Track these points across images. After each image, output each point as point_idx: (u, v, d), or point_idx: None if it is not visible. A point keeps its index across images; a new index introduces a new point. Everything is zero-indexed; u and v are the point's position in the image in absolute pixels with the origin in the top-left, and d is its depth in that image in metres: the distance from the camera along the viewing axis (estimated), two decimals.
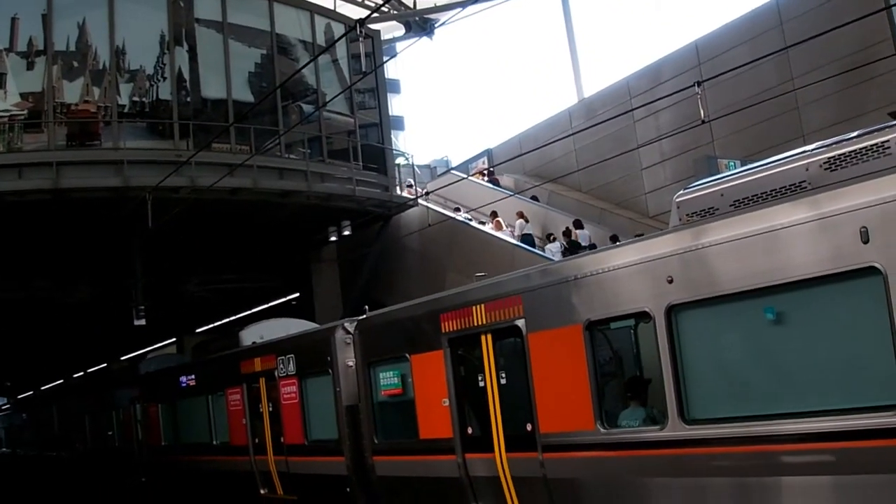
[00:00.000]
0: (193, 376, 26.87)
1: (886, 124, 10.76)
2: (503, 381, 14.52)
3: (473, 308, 14.91)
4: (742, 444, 10.91)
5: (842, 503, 10.05)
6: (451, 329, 15.42)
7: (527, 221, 36.26)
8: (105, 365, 56.13)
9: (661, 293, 11.70)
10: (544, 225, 37.27)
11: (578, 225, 34.17)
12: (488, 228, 35.11)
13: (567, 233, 32.63)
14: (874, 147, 10.33)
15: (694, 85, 18.32)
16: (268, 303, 41.54)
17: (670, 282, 11.59)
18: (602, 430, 12.65)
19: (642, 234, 31.07)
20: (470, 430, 15.22)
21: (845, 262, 9.79)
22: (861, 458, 9.72)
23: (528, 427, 13.81)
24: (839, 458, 9.99)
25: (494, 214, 36.20)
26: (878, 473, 9.58)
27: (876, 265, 9.47)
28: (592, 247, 30.50)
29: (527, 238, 34.39)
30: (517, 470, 14.21)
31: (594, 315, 12.77)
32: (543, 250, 32.76)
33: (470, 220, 36.88)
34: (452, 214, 36.38)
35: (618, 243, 15.18)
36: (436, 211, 36.41)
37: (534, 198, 39.27)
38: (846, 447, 9.84)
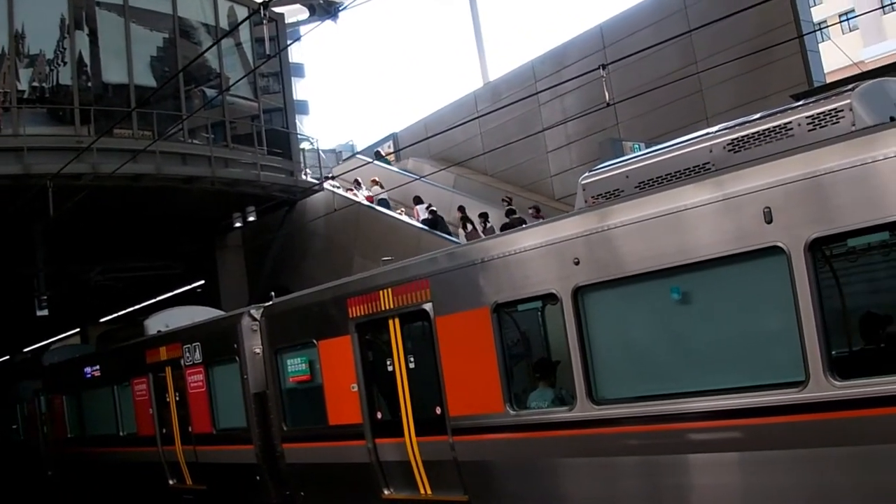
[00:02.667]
0: (98, 367, 26.47)
1: (788, 106, 10.92)
2: (412, 366, 14.52)
3: (381, 292, 14.88)
4: (650, 423, 11.04)
5: (749, 479, 10.22)
6: (359, 314, 15.36)
7: (382, 188, 37.00)
8: (7, 357, 55.21)
9: (567, 275, 11.77)
10: (450, 209, 37.25)
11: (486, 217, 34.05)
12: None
13: (484, 216, 32.63)
14: (777, 129, 10.48)
15: (599, 68, 18.43)
16: (173, 291, 41.09)
17: (577, 263, 11.66)
18: (511, 411, 12.71)
19: (537, 206, 31.54)
20: (379, 415, 15.19)
21: (749, 242, 9.94)
22: (767, 435, 9.88)
23: (438, 411, 13.83)
24: (746, 435, 10.15)
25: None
26: (783, 449, 9.75)
27: (779, 244, 9.62)
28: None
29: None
30: (428, 454, 14.23)
31: (501, 297, 12.81)
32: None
33: (385, 200, 36.69)
34: (358, 199, 36.24)
35: (524, 226, 15.21)
36: (341, 196, 36.27)
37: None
38: (752, 424, 10.00)
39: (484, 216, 32.01)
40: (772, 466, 9.91)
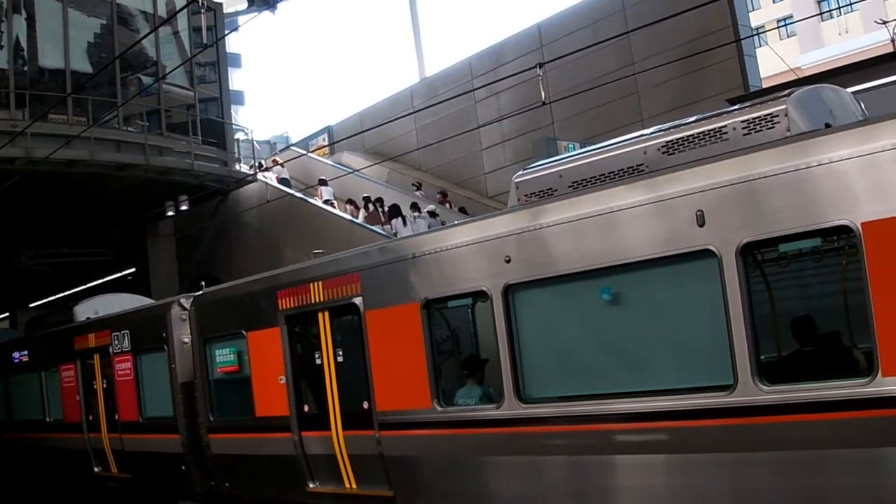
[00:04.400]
0: (26, 352, 26.13)
1: (723, 110, 10.99)
2: (340, 359, 14.46)
3: (311, 285, 14.81)
4: (577, 423, 11.07)
5: (676, 482, 10.29)
6: (289, 306, 15.29)
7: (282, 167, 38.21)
8: None
9: (498, 273, 11.77)
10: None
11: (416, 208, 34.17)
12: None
13: (415, 206, 32.71)
14: (711, 132, 10.53)
15: (535, 67, 18.46)
16: (103, 278, 40.71)
17: (508, 261, 11.66)
18: (439, 408, 12.70)
19: (444, 191, 31.69)
20: (306, 408, 15.12)
21: (681, 245, 9.98)
22: (694, 438, 9.95)
23: (365, 405, 13.78)
24: (673, 438, 10.21)
25: (367, 200, 36.23)
26: (710, 453, 9.82)
27: (711, 248, 9.68)
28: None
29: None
30: (354, 448, 14.18)
31: (432, 293, 12.79)
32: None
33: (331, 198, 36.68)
34: (290, 191, 36.17)
35: (456, 222, 15.22)
36: (275, 187, 36.14)
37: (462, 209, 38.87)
38: (680, 426, 10.07)
39: (379, 200, 32.30)
40: (698, 470, 9.98)
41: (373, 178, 38.69)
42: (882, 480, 8.69)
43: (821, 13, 75.08)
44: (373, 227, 31.45)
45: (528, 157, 30.10)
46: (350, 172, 37.35)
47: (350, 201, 35.37)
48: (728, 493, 9.82)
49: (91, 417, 21.80)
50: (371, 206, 33.26)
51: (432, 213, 32.73)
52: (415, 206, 33.19)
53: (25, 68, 31.19)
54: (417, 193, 37.20)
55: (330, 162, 43.24)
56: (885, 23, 49.52)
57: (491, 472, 12.26)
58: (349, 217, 32.91)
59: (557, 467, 11.43)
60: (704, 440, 9.87)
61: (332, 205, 35.41)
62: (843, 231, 8.87)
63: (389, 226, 31.52)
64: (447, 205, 36.33)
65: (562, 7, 36.69)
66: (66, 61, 31.84)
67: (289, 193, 35.44)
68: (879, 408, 8.56)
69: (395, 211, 32.33)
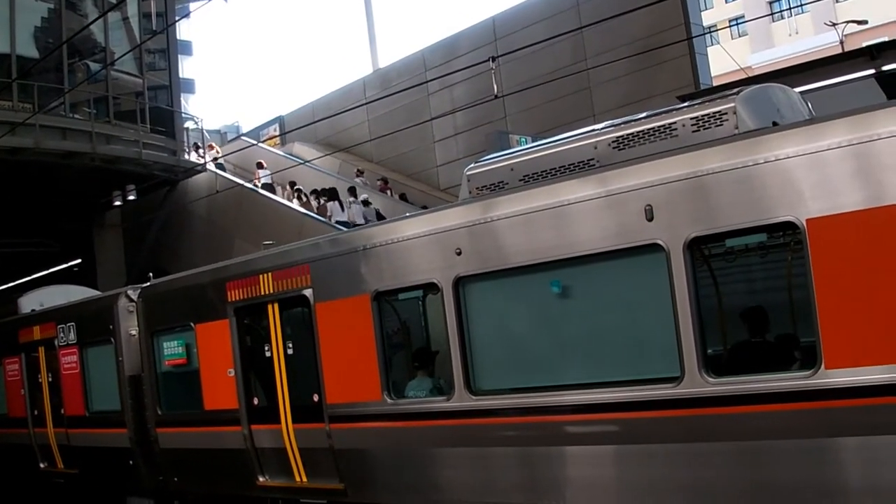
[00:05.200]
0: None
1: (674, 107, 11.06)
2: (290, 352, 14.41)
3: (260, 277, 14.74)
4: (526, 415, 11.14)
5: (624, 472, 10.39)
6: (238, 298, 15.21)
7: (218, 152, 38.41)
8: None
9: (449, 265, 11.79)
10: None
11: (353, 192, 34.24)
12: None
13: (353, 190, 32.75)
14: (661, 129, 10.59)
15: (489, 60, 18.48)
16: (49, 269, 40.33)
17: (459, 254, 11.68)
18: (389, 400, 12.70)
19: (384, 178, 31.76)
20: (256, 401, 15.04)
21: (630, 239, 10.08)
22: (643, 429, 10.05)
23: (316, 398, 13.74)
24: (621, 428, 10.31)
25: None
26: (659, 443, 9.93)
27: (659, 242, 9.77)
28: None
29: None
30: (304, 441, 14.14)
31: (382, 286, 12.78)
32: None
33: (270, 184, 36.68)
34: (239, 181, 36.09)
35: (407, 214, 15.20)
36: (224, 177, 36.01)
37: (402, 196, 38.87)
38: (628, 418, 10.17)
39: (315, 192, 32.92)
40: (647, 460, 10.07)
41: (323, 169, 38.64)
42: (825, 470, 8.85)
43: (772, 14, 76.01)
44: (318, 217, 31.51)
45: (480, 150, 30.14)
46: (301, 163, 37.28)
47: (292, 184, 36.09)
48: (677, 483, 9.92)
49: (36, 412, 21.56)
50: (304, 198, 33.41)
51: (365, 202, 33.35)
52: (352, 191, 33.31)
53: None
54: (358, 180, 37.55)
55: (281, 152, 43.15)
56: (834, 25, 50.33)
57: (442, 464, 12.30)
58: (298, 207, 32.82)
59: (508, 458, 11.48)
60: (653, 431, 9.97)
61: (271, 189, 35.77)
62: (789, 227, 9.01)
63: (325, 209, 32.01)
64: (388, 192, 36.65)
65: (517, 1, 36.70)
66: (12, 46, 31.52)
67: (237, 184, 35.31)
68: (822, 399, 8.72)
69: (332, 194, 32.64)
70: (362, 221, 30.33)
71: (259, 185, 36.23)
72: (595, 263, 10.52)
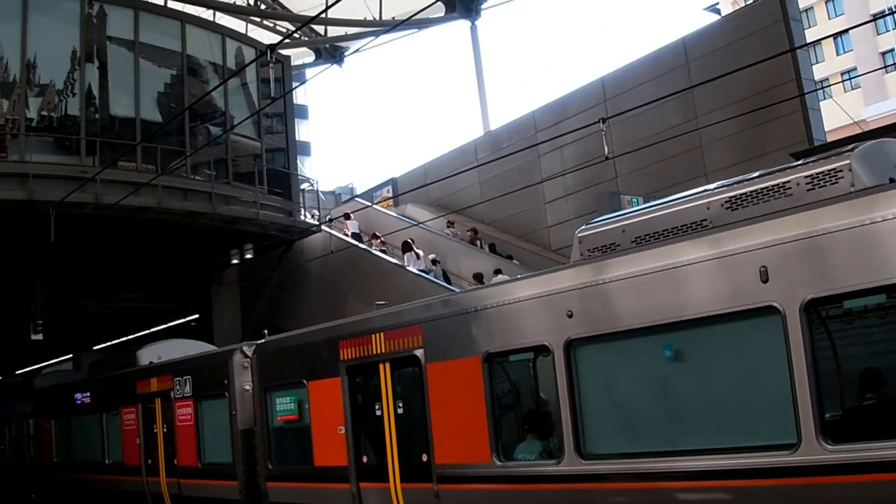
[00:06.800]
0: (89, 394, 26.42)
1: (787, 165, 10.95)
2: (400, 411, 14.45)
3: (373, 336, 14.84)
4: (638, 481, 10.96)
5: None
6: (350, 357, 15.33)
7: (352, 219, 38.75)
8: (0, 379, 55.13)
9: (560, 327, 11.74)
10: (450, 259, 37.42)
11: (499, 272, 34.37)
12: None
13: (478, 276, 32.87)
14: (775, 188, 10.50)
15: (599, 121, 18.49)
16: (167, 323, 41.07)
17: (570, 316, 11.63)
18: (498, 462, 12.63)
19: (475, 229, 31.74)
20: (365, 459, 15.10)
21: (744, 301, 9.92)
22: (758, 497, 9.82)
23: (424, 457, 13.75)
24: (735, 497, 10.08)
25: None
26: None
27: (775, 304, 9.61)
28: None
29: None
30: (411, 500, 14.12)
31: (493, 347, 12.77)
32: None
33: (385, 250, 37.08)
34: (354, 242, 36.49)
35: (518, 276, 15.21)
36: (338, 238, 36.37)
37: (492, 246, 39.26)
38: (743, 485, 9.94)
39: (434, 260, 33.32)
40: None
41: (434, 230, 38.82)
42: None
43: (885, 66, 74.70)
44: (431, 278, 31.74)
45: (591, 210, 30.09)
46: (413, 225, 37.55)
47: (374, 235, 36.75)
48: None
49: (150, 461, 21.92)
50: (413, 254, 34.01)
51: (434, 262, 34.18)
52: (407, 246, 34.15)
53: (97, 116, 31.71)
54: (447, 231, 38.24)
55: (394, 213, 43.41)
56: None
57: None
58: (412, 269, 33.02)
59: None
60: (768, 500, 9.73)
61: (358, 238, 36.66)
62: None
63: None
64: (478, 243, 36.79)
65: (625, 62, 36.65)
66: (137, 110, 32.44)
67: (352, 244, 35.67)
68: None
69: (406, 247, 33.48)
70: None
71: (349, 234, 37.05)
72: (708, 326, 10.37)
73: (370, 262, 34.69)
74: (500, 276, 29.78)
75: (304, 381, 16.42)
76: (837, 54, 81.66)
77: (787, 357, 9.52)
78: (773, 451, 9.69)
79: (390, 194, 48.83)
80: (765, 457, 9.76)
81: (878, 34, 79.94)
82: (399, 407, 14.50)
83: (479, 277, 30.67)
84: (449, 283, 33.28)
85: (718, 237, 10.37)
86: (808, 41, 36.20)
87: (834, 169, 10.08)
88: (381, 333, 14.72)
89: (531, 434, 12.71)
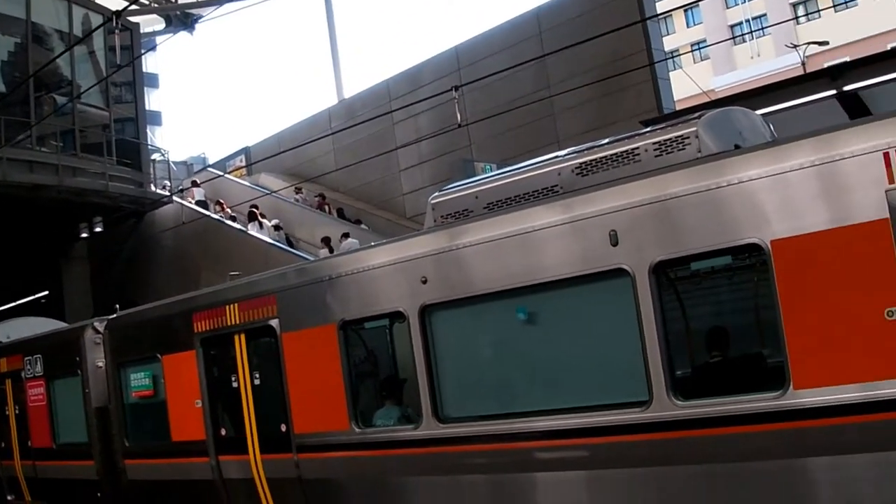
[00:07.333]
0: None
1: (636, 132, 11.12)
2: (257, 382, 14.33)
3: (227, 308, 14.69)
4: (497, 442, 11.09)
5: (595, 497, 10.37)
6: (204, 329, 15.15)
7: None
8: None
9: (415, 293, 11.78)
10: (299, 225, 37.25)
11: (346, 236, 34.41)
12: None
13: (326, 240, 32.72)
14: (624, 154, 10.64)
15: (452, 89, 18.53)
16: (15, 301, 40.06)
17: (424, 282, 11.67)
18: (357, 429, 12.64)
19: (322, 194, 31.86)
20: (223, 432, 14.97)
21: (595, 264, 10.10)
22: (612, 454, 10.04)
23: (283, 428, 13.67)
24: (592, 454, 10.28)
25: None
26: (628, 468, 9.94)
27: (624, 267, 9.80)
28: None
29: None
30: (272, 471, 14.06)
31: (349, 315, 12.75)
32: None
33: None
34: (203, 210, 36.16)
35: (372, 243, 15.19)
36: (190, 208, 35.94)
37: (339, 211, 39.03)
38: (598, 442, 10.16)
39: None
40: (617, 486, 10.08)
41: (284, 198, 38.63)
42: (796, 490, 8.86)
43: (733, 37, 76.51)
44: (285, 247, 31.73)
45: (445, 178, 30.20)
46: (266, 194, 37.32)
47: (218, 202, 36.83)
48: None
49: (3, 444, 21.41)
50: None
51: (277, 227, 34.49)
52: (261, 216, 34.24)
53: None
54: (296, 197, 38.47)
55: (247, 183, 43.05)
56: (795, 46, 50.72)
57: (411, 493, 12.24)
58: (265, 238, 32.83)
59: (477, 486, 11.44)
60: (622, 456, 9.96)
61: (204, 205, 36.67)
62: (754, 249, 9.05)
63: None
64: (326, 208, 36.91)
65: (480, 31, 36.87)
66: None
67: (205, 215, 35.29)
68: (792, 420, 8.73)
69: (251, 216, 33.80)
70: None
71: (193, 202, 36.82)
72: (561, 289, 10.52)
73: (223, 233, 34.43)
74: (348, 240, 30.02)
75: (159, 356, 16.16)
76: (688, 26, 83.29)
77: (637, 318, 9.72)
78: (627, 408, 9.91)
79: (244, 164, 48.38)
80: (619, 414, 9.98)
81: (728, 7, 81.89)
82: (256, 378, 14.37)
83: (326, 241, 31.05)
84: (293, 247, 33.34)
85: (569, 202, 10.50)
86: (659, 12, 36.76)
87: (681, 136, 10.26)
88: (236, 304, 14.56)
89: (389, 400, 12.78)
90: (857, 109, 17.36)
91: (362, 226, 35.84)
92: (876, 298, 8.30)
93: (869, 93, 17.82)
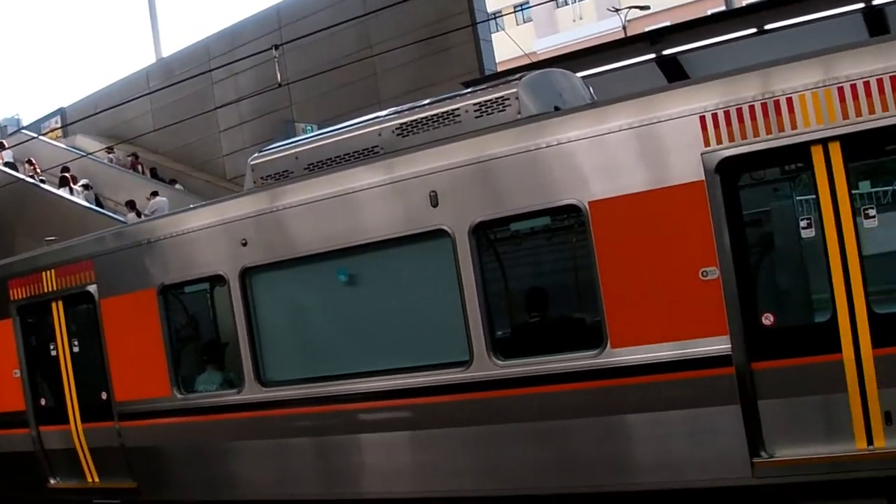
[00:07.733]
0: None
1: (457, 93, 11.18)
2: (76, 350, 14.07)
3: (43, 274, 14.34)
4: (321, 404, 11.15)
5: (418, 457, 10.52)
6: (21, 296, 14.77)
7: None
8: None
9: (235, 256, 11.72)
10: (110, 186, 36.58)
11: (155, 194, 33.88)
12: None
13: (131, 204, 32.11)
14: (444, 115, 10.69)
15: (272, 48, 18.33)
16: None
17: (244, 245, 11.60)
18: (179, 395, 12.55)
19: (135, 154, 31.53)
20: (43, 402, 14.66)
21: (416, 225, 10.19)
22: (434, 414, 10.18)
23: (104, 396, 13.46)
24: (415, 413, 10.42)
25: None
26: (450, 427, 10.08)
27: (444, 228, 9.89)
28: None
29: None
30: (94, 440, 13.85)
31: (168, 279, 12.61)
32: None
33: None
34: (13, 172, 35.14)
35: (191, 206, 14.99)
36: (3, 171, 34.91)
37: (153, 171, 38.41)
38: (421, 403, 10.30)
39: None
40: (439, 445, 10.21)
41: (98, 159, 37.85)
42: (615, 446, 9.12)
43: (556, 0, 77.27)
44: (103, 211, 31.16)
45: (267, 139, 29.89)
46: (82, 156, 36.45)
47: (28, 161, 36.04)
48: (469, 466, 10.11)
49: None
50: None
51: (86, 186, 34.10)
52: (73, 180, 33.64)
53: None
54: (110, 156, 38.24)
55: (63, 145, 41.96)
56: (617, 11, 51.57)
57: (235, 458, 12.21)
58: (83, 201, 32.11)
59: (302, 449, 11.49)
60: (444, 415, 10.11)
61: (13, 167, 35.74)
62: (572, 210, 9.23)
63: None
64: (139, 168, 36.72)
65: None
66: None
67: (17, 178, 34.26)
68: (609, 378, 8.97)
69: (63, 181, 33.01)
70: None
71: (1, 163, 35.88)
72: (382, 250, 10.61)
73: (38, 197, 33.46)
74: (156, 198, 29.67)
75: None
76: None
77: (457, 279, 9.84)
78: (449, 368, 10.05)
79: (59, 125, 47.12)
80: (441, 374, 10.12)
81: None
82: (75, 346, 14.12)
83: (131, 204, 30.75)
84: (102, 207, 32.82)
85: (390, 163, 10.56)
86: None
87: (501, 97, 10.34)
88: (52, 270, 14.24)
89: (211, 365, 12.76)
90: (675, 73, 17.82)
91: (177, 186, 35.42)
92: (691, 259, 8.57)
93: (687, 57, 18.30)
